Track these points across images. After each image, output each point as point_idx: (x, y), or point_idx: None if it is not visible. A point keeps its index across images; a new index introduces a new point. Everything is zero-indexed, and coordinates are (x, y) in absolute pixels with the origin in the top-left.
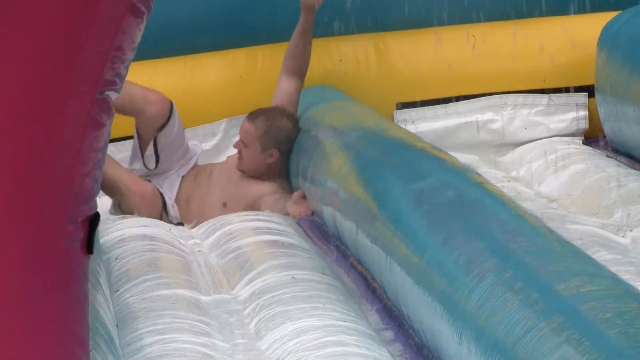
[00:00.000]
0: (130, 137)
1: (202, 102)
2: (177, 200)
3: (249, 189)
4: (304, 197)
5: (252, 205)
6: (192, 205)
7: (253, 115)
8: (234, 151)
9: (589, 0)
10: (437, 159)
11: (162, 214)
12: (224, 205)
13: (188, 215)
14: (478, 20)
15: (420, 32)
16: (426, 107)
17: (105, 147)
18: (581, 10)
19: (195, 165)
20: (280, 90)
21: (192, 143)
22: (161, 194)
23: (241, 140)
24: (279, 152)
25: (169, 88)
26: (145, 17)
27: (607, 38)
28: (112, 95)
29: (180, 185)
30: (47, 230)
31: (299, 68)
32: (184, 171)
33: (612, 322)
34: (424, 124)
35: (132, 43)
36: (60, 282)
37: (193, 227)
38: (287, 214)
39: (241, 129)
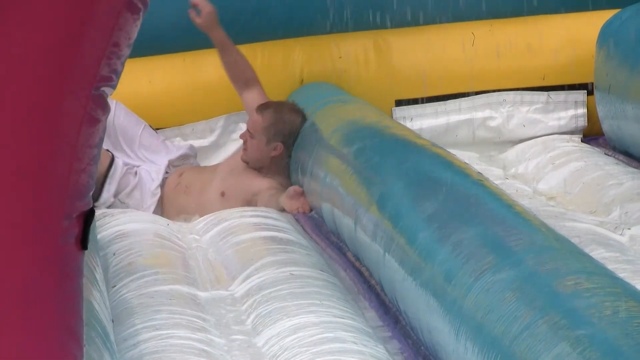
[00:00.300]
0: None
1: (201, 98)
2: (176, 187)
3: (249, 184)
4: (301, 193)
5: (250, 201)
6: (192, 193)
7: (262, 107)
8: (234, 148)
9: None
10: (436, 157)
11: (107, 173)
12: (222, 194)
13: (187, 202)
14: (477, 18)
15: (419, 30)
16: (425, 105)
17: (100, 143)
18: (581, 8)
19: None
20: (246, 104)
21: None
22: (112, 153)
23: (248, 130)
24: (283, 146)
25: (169, 84)
26: (141, 13)
27: (606, 36)
28: (108, 92)
29: (182, 174)
30: (43, 226)
31: (244, 77)
32: (172, 156)
33: (609, 320)
34: (422, 121)
35: (128, 39)
36: (54, 278)
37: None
38: (282, 209)
39: (249, 119)
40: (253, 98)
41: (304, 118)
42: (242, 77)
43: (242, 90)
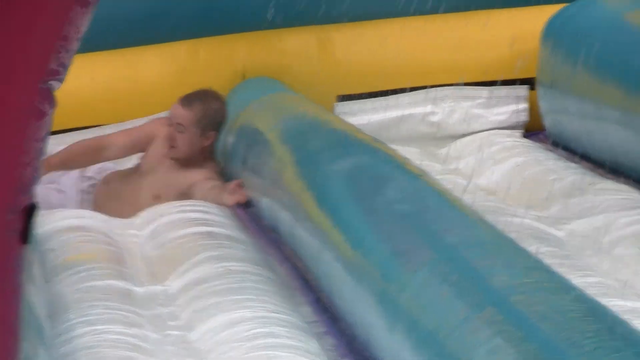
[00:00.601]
0: (72, 130)
1: (143, 95)
2: (106, 196)
3: (182, 179)
4: (240, 185)
5: (186, 193)
6: (124, 200)
7: (187, 100)
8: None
9: None
10: (377, 152)
11: None
12: (157, 197)
13: (122, 209)
14: (420, 13)
15: (362, 25)
16: (367, 100)
17: (46, 138)
18: (525, 3)
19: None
20: (120, 153)
21: None
22: None
23: (177, 126)
24: (215, 134)
25: (110, 81)
26: (90, 7)
27: (551, 31)
28: (56, 85)
29: (108, 182)
30: None
31: (93, 153)
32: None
33: (544, 315)
34: (365, 117)
35: (77, 33)
36: None
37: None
38: (222, 204)
39: (176, 115)
40: (117, 143)
41: (224, 102)
42: (91, 155)
43: (104, 156)
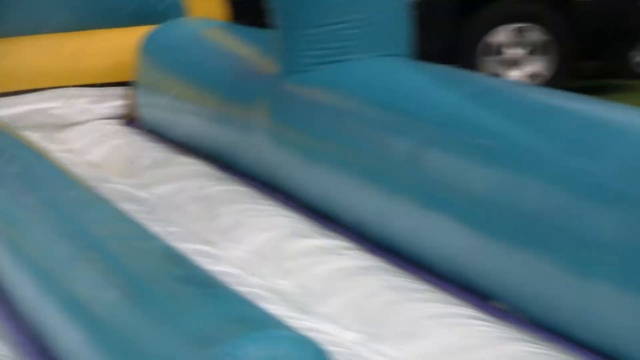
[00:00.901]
0: None
1: None
2: None
3: None
4: None
5: None
6: None
7: None
8: None
9: (137, 15)
10: (5, 135)
11: None
12: None
13: None
14: (57, 31)
15: (11, 41)
16: (6, 97)
17: None
18: (133, 23)
19: None
20: None
21: None
22: None
23: None
24: None
25: None
26: None
27: (146, 45)
28: None
29: None
30: None
31: None
32: None
33: (134, 256)
34: (4, 111)
35: None
36: None
37: None
38: None
39: None
40: None
41: None
42: None
43: None
